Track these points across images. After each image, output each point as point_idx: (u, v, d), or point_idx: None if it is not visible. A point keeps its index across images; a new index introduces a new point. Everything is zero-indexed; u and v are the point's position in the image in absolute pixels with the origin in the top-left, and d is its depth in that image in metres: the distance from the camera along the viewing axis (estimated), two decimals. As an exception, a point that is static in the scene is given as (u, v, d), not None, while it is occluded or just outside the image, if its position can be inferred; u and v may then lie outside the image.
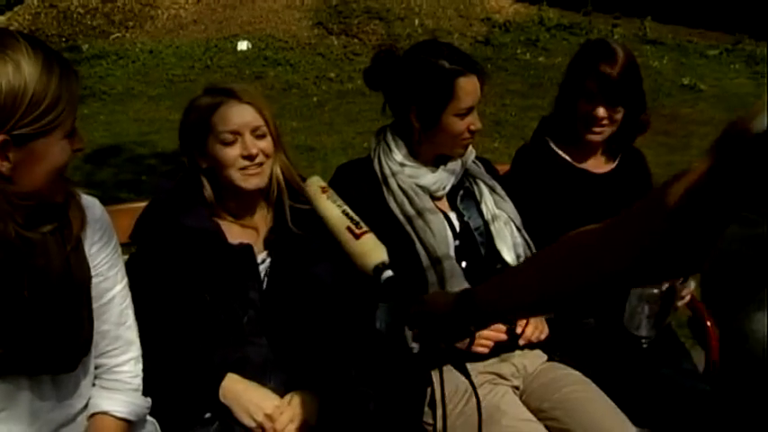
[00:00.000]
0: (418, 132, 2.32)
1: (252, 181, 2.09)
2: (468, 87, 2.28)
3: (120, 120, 7.77)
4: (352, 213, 1.63)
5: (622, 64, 2.51)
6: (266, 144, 2.10)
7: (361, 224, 1.61)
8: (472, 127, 2.31)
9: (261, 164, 2.09)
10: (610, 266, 1.29)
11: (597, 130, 2.58)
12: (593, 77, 2.53)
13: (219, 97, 2.09)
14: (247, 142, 2.07)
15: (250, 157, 2.06)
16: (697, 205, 1.15)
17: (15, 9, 11.40)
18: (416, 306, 1.56)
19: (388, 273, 1.57)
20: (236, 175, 2.08)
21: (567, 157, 2.67)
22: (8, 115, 1.43)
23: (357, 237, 1.59)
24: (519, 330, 2.29)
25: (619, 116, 2.57)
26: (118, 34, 10.78)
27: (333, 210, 1.65)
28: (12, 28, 10.54)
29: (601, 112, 2.54)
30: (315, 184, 1.73)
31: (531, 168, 2.69)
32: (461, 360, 1.52)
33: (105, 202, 1.84)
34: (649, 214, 1.24)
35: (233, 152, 2.06)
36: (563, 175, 2.62)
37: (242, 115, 2.08)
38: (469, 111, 2.30)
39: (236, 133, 2.07)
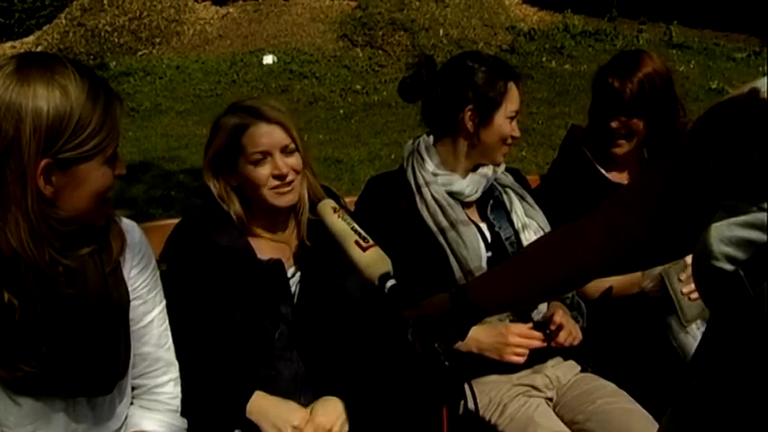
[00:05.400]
0: (468, 136, 2.34)
1: (284, 199, 2.12)
2: (516, 92, 2.36)
3: (148, 135, 7.83)
4: (359, 229, 1.69)
5: (631, 75, 2.52)
6: (295, 161, 2.12)
7: (369, 239, 1.67)
8: (514, 133, 2.37)
9: (291, 181, 2.11)
10: (602, 258, 1.33)
11: (615, 142, 2.61)
12: (604, 90, 2.57)
13: (247, 117, 2.10)
14: (278, 161, 2.09)
15: (281, 177, 2.09)
16: (682, 184, 1.18)
17: (44, 28, 11.56)
18: (413, 309, 1.61)
19: (392, 281, 1.62)
20: (268, 194, 2.10)
21: (603, 171, 2.66)
22: (54, 139, 1.45)
23: (364, 249, 1.65)
24: (553, 328, 2.29)
25: (638, 127, 2.57)
26: (145, 51, 10.89)
27: (342, 225, 1.71)
28: (41, 47, 10.72)
29: (614, 124, 2.57)
30: (327, 206, 1.79)
31: (566, 179, 2.68)
32: (457, 359, 1.59)
33: (136, 218, 1.85)
34: (640, 200, 1.26)
35: (264, 172, 2.08)
36: (597, 188, 2.60)
37: (271, 135, 2.09)
38: (516, 115, 2.37)
39: (266, 153, 2.08)
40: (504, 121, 2.33)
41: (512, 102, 2.34)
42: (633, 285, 2.51)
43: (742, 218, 1.02)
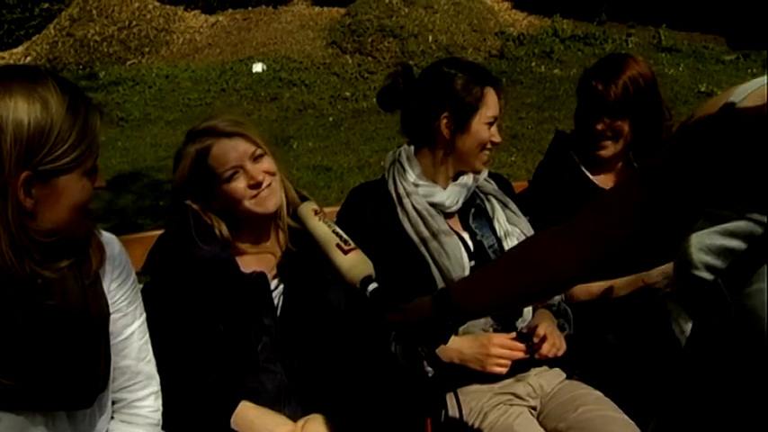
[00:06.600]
0: (445, 144, 2.32)
1: (269, 203, 2.11)
2: (494, 98, 2.35)
3: (137, 145, 7.81)
4: (341, 232, 1.70)
5: (615, 78, 2.54)
6: (267, 164, 2.12)
7: (350, 242, 1.68)
8: (494, 139, 2.35)
9: (270, 184, 2.11)
10: (584, 261, 1.33)
11: (600, 144, 2.63)
12: (588, 93, 2.60)
13: (206, 139, 2.10)
14: (250, 171, 2.09)
15: (258, 185, 2.08)
16: (664, 191, 1.19)
17: (33, 39, 11.54)
18: (395, 314, 1.61)
19: (374, 285, 1.63)
20: (250, 204, 2.10)
21: (590, 175, 2.67)
22: (34, 152, 1.46)
23: (346, 252, 1.66)
24: (536, 340, 2.27)
25: (623, 130, 2.59)
26: (134, 60, 10.87)
27: (323, 228, 1.71)
28: (30, 57, 10.70)
29: (599, 126, 2.59)
30: (308, 207, 1.79)
31: (552, 183, 2.69)
32: (440, 367, 1.58)
33: (124, 228, 1.85)
34: (621, 205, 1.26)
35: (240, 185, 2.09)
36: (583, 192, 2.60)
37: (235, 149, 2.09)
38: (494, 121, 2.35)
39: (237, 167, 2.08)
40: (481, 127, 2.32)
41: (489, 107, 2.33)
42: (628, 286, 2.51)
43: (722, 226, 1.02)
